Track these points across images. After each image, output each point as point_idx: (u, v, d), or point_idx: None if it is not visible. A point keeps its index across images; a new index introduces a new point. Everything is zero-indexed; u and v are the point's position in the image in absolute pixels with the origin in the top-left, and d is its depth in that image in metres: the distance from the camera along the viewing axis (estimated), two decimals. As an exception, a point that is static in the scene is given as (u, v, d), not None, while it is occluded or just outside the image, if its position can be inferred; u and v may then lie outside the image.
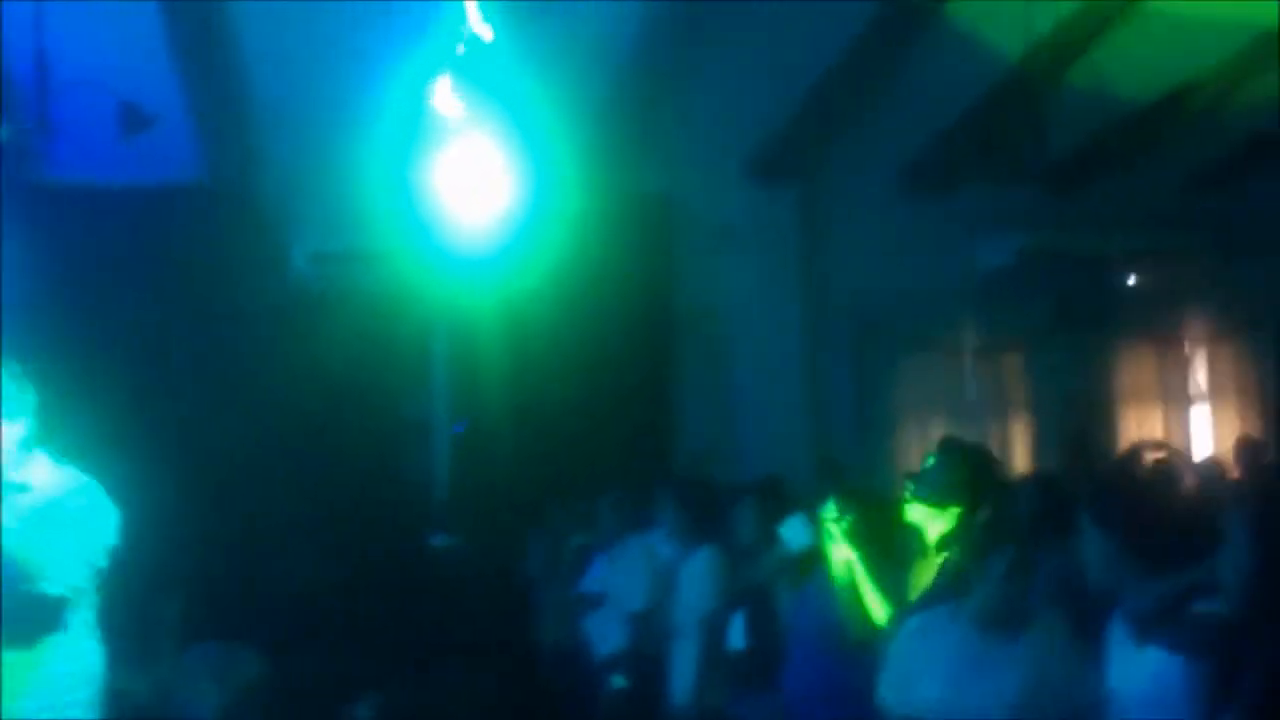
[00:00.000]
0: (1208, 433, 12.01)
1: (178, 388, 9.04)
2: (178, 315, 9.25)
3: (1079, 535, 4.13)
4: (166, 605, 5.98)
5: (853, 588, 5.26)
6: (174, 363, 9.14)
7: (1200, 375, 12.14)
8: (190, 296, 9.30)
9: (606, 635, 7.76)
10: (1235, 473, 8.27)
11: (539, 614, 8.88)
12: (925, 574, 5.17)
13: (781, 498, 6.78)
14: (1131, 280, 11.36)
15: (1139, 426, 11.88)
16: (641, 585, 7.47)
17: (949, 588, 4.62)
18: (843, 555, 5.26)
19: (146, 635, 5.42)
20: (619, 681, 7.63)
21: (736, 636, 6.35)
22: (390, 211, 8.73)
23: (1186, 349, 12.14)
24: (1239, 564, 3.35)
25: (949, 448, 5.44)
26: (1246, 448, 10.34)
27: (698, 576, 7.00)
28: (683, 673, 6.94)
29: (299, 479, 9.22)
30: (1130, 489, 4.37)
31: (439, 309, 10.32)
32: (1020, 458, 11.46)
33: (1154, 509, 3.91)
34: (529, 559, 9.14)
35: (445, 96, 7.79)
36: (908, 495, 5.29)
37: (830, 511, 5.29)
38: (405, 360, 10.45)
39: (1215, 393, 12.10)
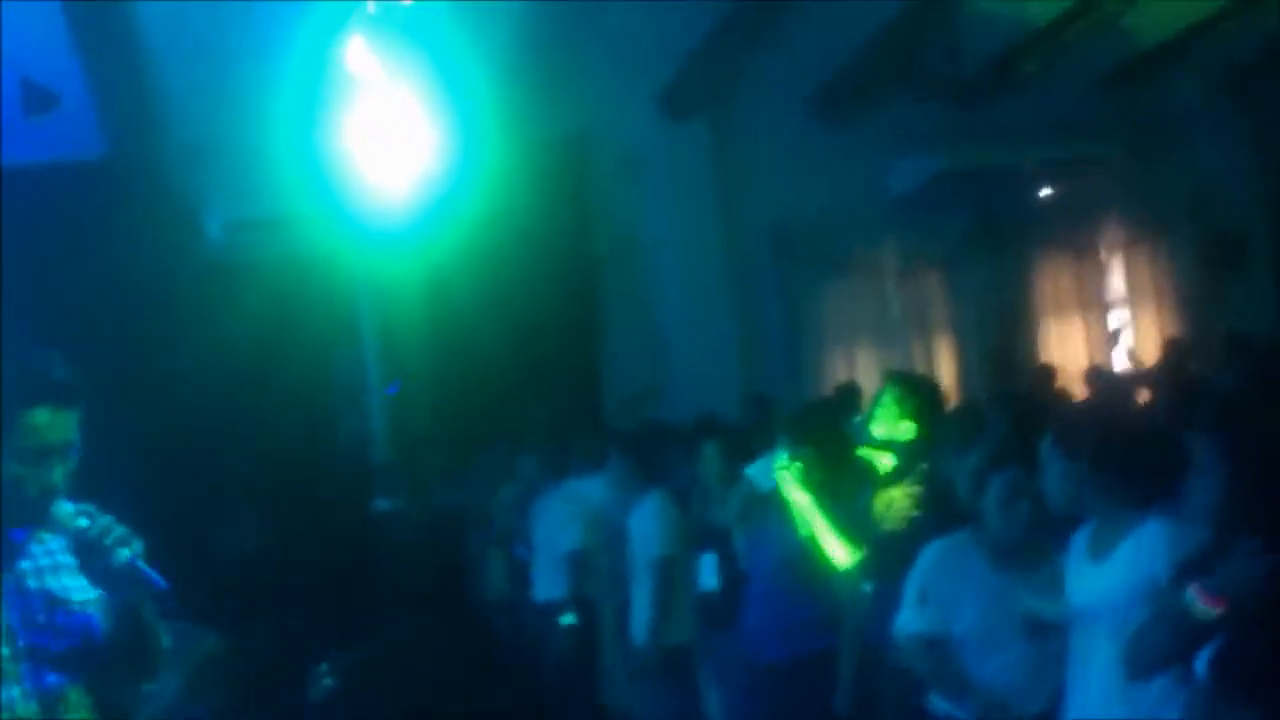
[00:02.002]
0: (1128, 339, 12.15)
1: (98, 367, 8.86)
2: (94, 294, 9.09)
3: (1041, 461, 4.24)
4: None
5: (810, 528, 5.35)
6: (94, 341, 8.96)
7: (1118, 281, 12.30)
8: (106, 274, 9.14)
9: (544, 580, 7.82)
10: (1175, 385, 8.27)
11: (480, 564, 8.93)
12: (881, 508, 5.28)
13: (738, 439, 6.81)
14: (1046, 191, 11.47)
15: (1059, 337, 12.05)
16: (573, 530, 7.52)
17: (937, 516, 4.75)
18: (798, 498, 5.34)
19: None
20: (569, 619, 7.67)
21: (708, 577, 6.37)
22: (304, 175, 8.60)
23: (1103, 256, 12.30)
24: (1211, 491, 3.42)
25: (899, 380, 5.53)
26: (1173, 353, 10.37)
27: (649, 521, 6.98)
28: (640, 614, 6.98)
29: (233, 452, 9.12)
30: (1096, 417, 4.46)
31: (362, 270, 10.22)
32: (945, 375, 11.57)
33: (1121, 438, 4.02)
34: (465, 512, 9.17)
35: (356, 55, 7.67)
36: (858, 432, 5.38)
37: (783, 456, 5.36)
38: (332, 325, 10.34)
39: (1133, 298, 12.28)
